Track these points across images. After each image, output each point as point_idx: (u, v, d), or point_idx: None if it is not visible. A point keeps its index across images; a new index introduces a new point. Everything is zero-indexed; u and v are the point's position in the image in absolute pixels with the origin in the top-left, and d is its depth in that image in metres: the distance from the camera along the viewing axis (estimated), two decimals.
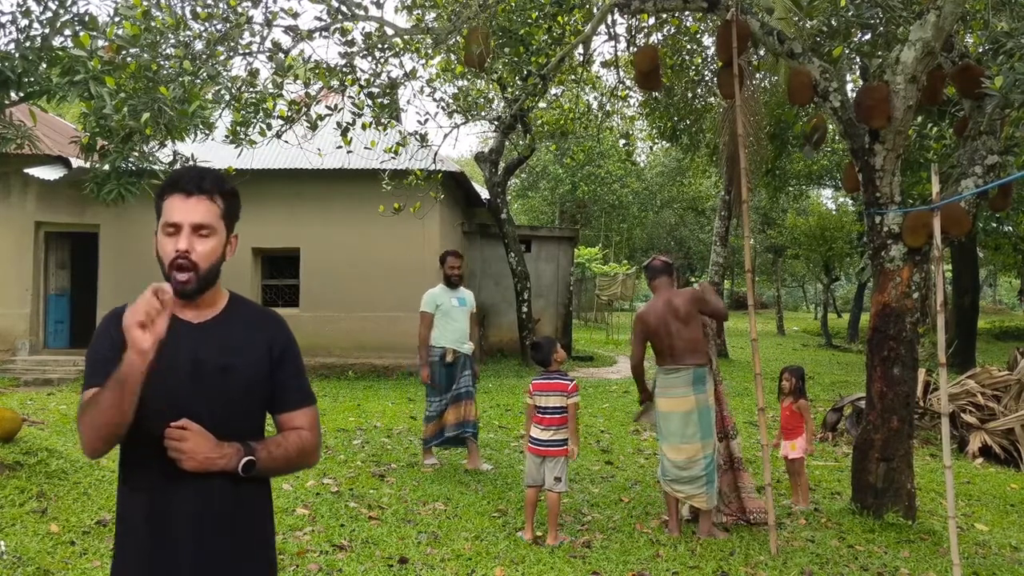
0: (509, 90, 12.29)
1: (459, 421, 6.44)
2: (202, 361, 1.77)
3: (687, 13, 9.01)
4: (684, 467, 4.87)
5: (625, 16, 6.78)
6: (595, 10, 7.41)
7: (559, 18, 9.22)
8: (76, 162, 10.56)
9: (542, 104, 13.55)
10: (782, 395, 5.85)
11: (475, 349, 6.66)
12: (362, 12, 6.24)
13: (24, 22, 5.74)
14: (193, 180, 1.79)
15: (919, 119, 8.38)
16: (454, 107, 10.91)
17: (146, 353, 1.55)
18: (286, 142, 7.01)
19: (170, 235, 1.77)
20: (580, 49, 8.11)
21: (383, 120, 7.30)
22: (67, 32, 5.78)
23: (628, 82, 10.19)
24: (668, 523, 5.00)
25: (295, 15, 6.21)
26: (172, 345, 1.75)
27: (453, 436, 6.49)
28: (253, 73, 6.37)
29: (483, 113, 13.64)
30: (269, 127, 6.47)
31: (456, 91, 13.16)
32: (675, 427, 4.92)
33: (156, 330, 1.55)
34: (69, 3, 5.71)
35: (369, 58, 6.97)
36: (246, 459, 1.75)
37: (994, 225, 18.14)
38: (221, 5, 5.86)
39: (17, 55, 5.65)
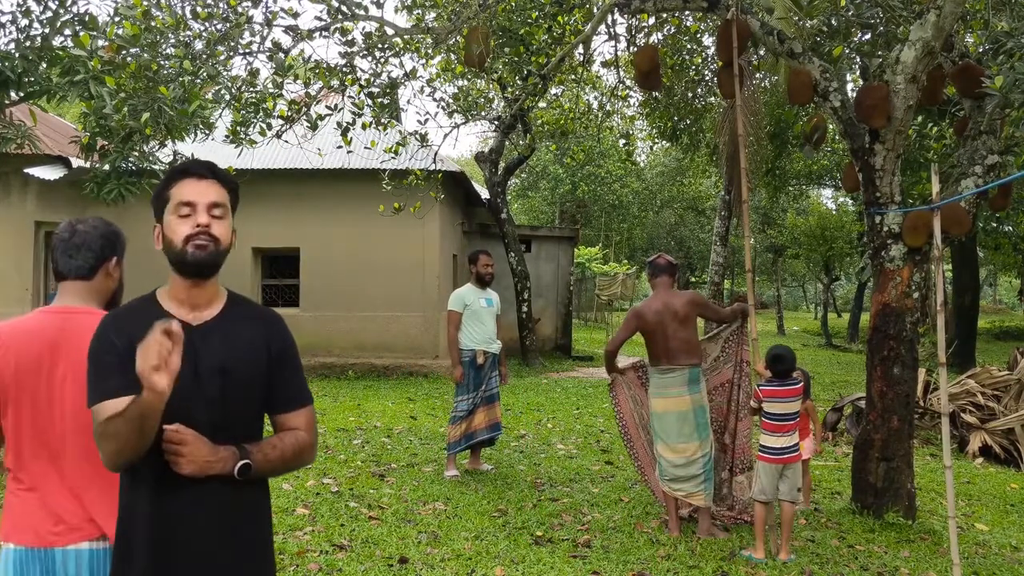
0: (509, 90, 12.28)
1: (491, 423, 6.37)
2: (200, 362, 1.77)
3: (687, 13, 9.01)
4: (682, 466, 4.88)
5: (625, 16, 6.78)
6: (595, 10, 7.41)
7: (559, 18, 9.22)
8: (76, 162, 10.55)
9: (542, 104, 13.55)
10: None
11: (502, 348, 6.60)
12: (362, 12, 6.24)
13: (24, 22, 5.75)
14: (204, 166, 1.85)
15: (919, 119, 8.38)
16: (454, 107, 10.91)
17: (164, 393, 1.56)
18: (286, 142, 7.01)
19: (185, 216, 1.78)
20: (580, 49, 8.11)
21: (383, 120, 7.30)
22: (67, 32, 5.79)
23: (628, 82, 10.19)
24: (668, 523, 5.00)
25: (295, 15, 6.20)
26: None
27: (487, 439, 6.43)
28: (253, 73, 6.37)
29: (483, 113, 13.65)
30: (269, 127, 6.47)
31: (456, 91, 13.16)
32: (671, 427, 4.93)
33: (171, 368, 1.55)
34: (69, 3, 5.72)
35: (369, 58, 6.97)
36: (242, 463, 1.74)
37: (994, 225, 18.14)
38: (221, 5, 5.86)
39: (17, 55, 5.66)
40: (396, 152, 7.62)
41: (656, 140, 16.88)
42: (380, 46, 6.81)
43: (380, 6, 6.43)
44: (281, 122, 6.65)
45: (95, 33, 5.58)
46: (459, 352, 6.30)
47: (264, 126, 6.42)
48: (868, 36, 6.82)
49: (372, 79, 7.03)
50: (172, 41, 5.70)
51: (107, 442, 1.68)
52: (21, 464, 2.03)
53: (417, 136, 8.40)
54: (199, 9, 5.85)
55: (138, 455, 1.69)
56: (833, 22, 6.34)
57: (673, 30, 10.18)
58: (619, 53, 9.61)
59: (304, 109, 6.78)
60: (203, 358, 1.78)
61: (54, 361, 2.02)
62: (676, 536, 4.87)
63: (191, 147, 7.72)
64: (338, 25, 6.34)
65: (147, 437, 1.65)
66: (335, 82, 6.74)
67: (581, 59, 9.38)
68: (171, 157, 8.01)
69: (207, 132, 6.52)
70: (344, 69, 6.75)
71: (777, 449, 4.61)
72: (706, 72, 12.03)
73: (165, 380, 1.54)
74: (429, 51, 9.30)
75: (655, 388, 5.02)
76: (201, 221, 1.77)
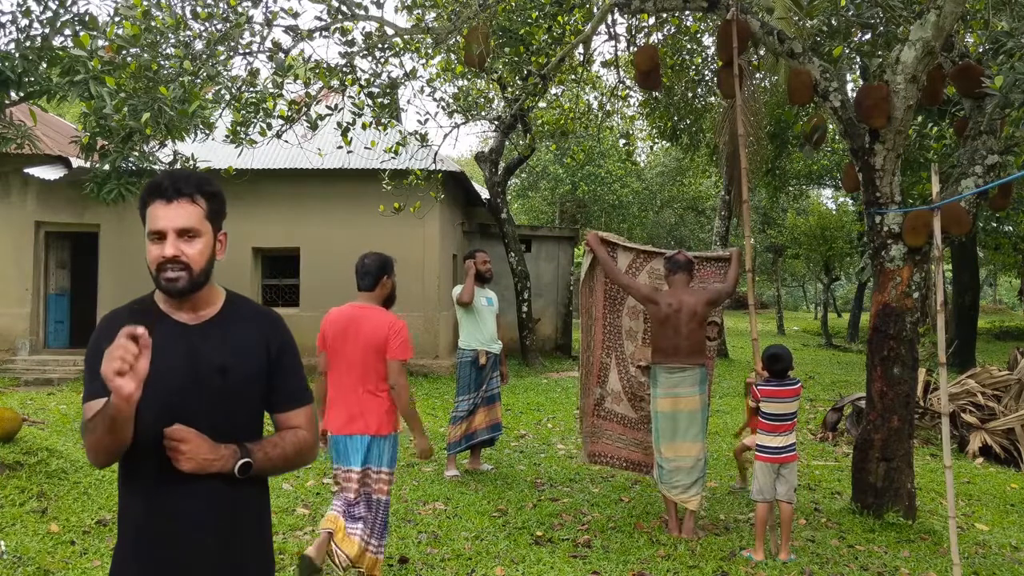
0: (509, 90, 12.28)
1: (491, 423, 6.39)
2: (200, 362, 1.77)
3: (687, 13, 9.01)
4: (687, 469, 4.85)
5: (625, 16, 6.79)
6: (595, 10, 7.41)
7: (559, 18, 9.22)
8: (76, 162, 10.56)
9: (542, 104, 13.53)
10: None
11: (503, 348, 6.60)
12: (362, 12, 6.24)
13: (24, 22, 5.75)
14: (172, 184, 1.76)
15: (919, 119, 8.38)
16: (454, 107, 10.90)
17: (130, 397, 1.52)
18: (286, 142, 7.01)
19: (156, 242, 1.75)
20: (580, 49, 8.11)
21: (383, 120, 7.30)
22: (67, 32, 5.78)
23: (628, 82, 10.19)
24: (668, 523, 5.00)
25: (295, 15, 6.20)
26: (169, 347, 1.75)
27: (487, 439, 6.44)
28: (253, 73, 6.37)
29: (483, 113, 13.63)
30: (269, 127, 6.47)
31: (456, 91, 13.15)
32: (680, 426, 4.89)
33: (138, 373, 1.52)
34: (69, 3, 5.71)
35: (369, 58, 6.97)
36: (242, 461, 1.74)
37: (994, 225, 18.14)
38: (221, 5, 5.86)
39: (17, 55, 5.65)
40: (396, 152, 7.62)
41: (656, 140, 16.89)
42: (380, 46, 6.81)
43: (380, 6, 6.43)
44: (281, 122, 6.64)
45: (95, 33, 5.58)
46: (459, 352, 6.32)
47: (264, 126, 6.43)
48: (868, 36, 6.82)
49: (372, 79, 7.03)
50: (172, 41, 5.70)
51: (88, 439, 1.70)
52: (333, 383, 3.88)
53: (417, 136, 8.39)
54: (199, 9, 5.85)
55: (115, 456, 1.70)
56: (833, 22, 6.34)
57: (673, 30, 10.18)
58: (619, 53, 9.60)
59: (304, 109, 6.78)
60: (203, 357, 1.78)
61: (351, 331, 3.84)
62: (676, 536, 4.86)
63: (191, 147, 7.73)
64: (338, 25, 6.34)
65: (120, 440, 1.64)
66: (335, 82, 6.73)
67: (581, 59, 9.38)
68: (171, 157, 8.01)
69: (207, 132, 6.51)
70: (344, 69, 6.75)
71: (774, 448, 4.62)
72: (706, 72, 12.04)
73: (131, 385, 1.51)
74: (429, 51, 9.29)
75: (663, 387, 4.92)
76: (167, 253, 1.73)
